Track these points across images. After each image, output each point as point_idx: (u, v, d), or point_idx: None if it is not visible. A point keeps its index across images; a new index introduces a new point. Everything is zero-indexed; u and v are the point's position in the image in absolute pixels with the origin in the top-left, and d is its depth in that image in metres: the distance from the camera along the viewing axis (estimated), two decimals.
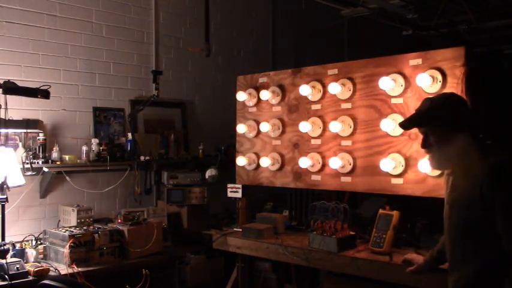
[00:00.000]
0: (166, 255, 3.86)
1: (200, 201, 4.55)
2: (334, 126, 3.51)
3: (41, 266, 3.25)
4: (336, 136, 3.58)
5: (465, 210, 2.15)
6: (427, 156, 2.33)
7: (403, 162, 3.23)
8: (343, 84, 3.55)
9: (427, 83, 3.12)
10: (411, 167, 3.20)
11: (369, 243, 3.27)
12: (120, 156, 4.28)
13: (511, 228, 2.03)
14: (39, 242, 3.64)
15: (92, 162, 4.10)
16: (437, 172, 3.02)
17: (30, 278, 3.14)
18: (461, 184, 2.22)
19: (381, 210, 3.29)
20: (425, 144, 2.28)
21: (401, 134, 3.27)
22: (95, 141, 4.18)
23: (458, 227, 2.21)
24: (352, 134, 3.51)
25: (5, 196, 3.42)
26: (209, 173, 4.66)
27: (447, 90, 3.09)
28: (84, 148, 4.10)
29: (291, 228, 4.02)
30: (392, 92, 3.32)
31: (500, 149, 2.20)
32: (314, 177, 3.70)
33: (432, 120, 2.24)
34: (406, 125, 2.42)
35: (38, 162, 3.79)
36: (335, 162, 3.51)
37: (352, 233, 3.41)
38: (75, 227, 3.70)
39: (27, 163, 3.71)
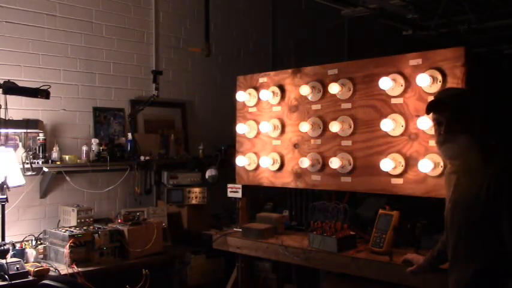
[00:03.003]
0: (166, 255, 3.86)
1: (200, 201, 4.55)
2: (334, 126, 3.52)
3: (41, 266, 3.25)
4: (336, 136, 3.58)
5: (468, 210, 2.16)
6: (444, 144, 2.29)
7: (403, 162, 3.24)
8: (343, 84, 3.55)
9: (427, 83, 3.12)
10: (411, 167, 3.20)
11: (369, 243, 3.27)
12: (120, 156, 4.27)
13: None
14: (39, 242, 3.64)
15: (92, 162, 4.09)
16: (438, 172, 3.02)
17: (30, 278, 3.14)
18: (464, 183, 2.22)
19: (380, 210, 3.29)
20: (450, 129, 2.24)
21: (401, 134, 3.27)
22: (95, 141, 4.18)
23: (461, 226, 2.21)
24: (352, 134, 3.51)
25: (5, 196, 3.42)
26: (209, 173, 4.66)
27: None
28: (84, 148, 4.10)
29: (291, 228, 4.02)
30: (392, 92, 3.32)
31: (502, 149, 2.21)
32: (314, 177, 3.71)
33: (464, 105, 2.26)
34: (434, 104, 2.35)
35: (38, 162, 3.79)
36: (335, 162, 3.51)
37: (352, 233, 3.41)
38: (75, 227, 3.69)
39: (27, 163, 3.70)
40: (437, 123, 2.30)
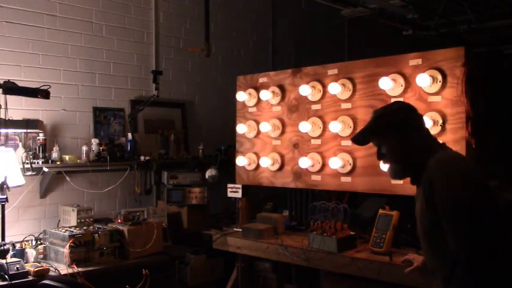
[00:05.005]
0: (166, 255, 3.86)
1: (200, 201, 4.55)
2: (334, 126, 3.52)
3: (41, 266, 3.24)
4: (336, 136, 3.58)
5: (422, 220, 2.11)
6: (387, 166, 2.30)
7: None
8: (343, 84, 3.55)
9: (427, 83, 3.13)
10: None
11: (369, 243, 3.27)
12: (120, 156, 4.27)
13: (453, 226, 1.95)
14: (39, 242, 3.64)
15: (92, 162, 4.09)
16: None
17: (30, 278, 3.14)
18: (417, 196, 2.18)
19: (380, 210, 3.29)
20: (379, 156, 2.25)
21: None
22: (95, 141, 4.17)
23: (422, 236, 2.17)
24: (352, 134, 3.51)
25: (5, 196, 3.41)
26: (209, 173, 4.66)
27: (447, 90, 3.10)
28: (84, 148, 4.10)
29: (291, 228, 4.02)
30: (392, 92, 3.32)
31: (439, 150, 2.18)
32: (314, 177, 3.71)
33: (377, 130, 2.23)
34: (356, 140, 2.35)
35: (38, 162, 3.78)
36: (335, 162, 3.51)
37: (352, 233, 3.41)
38: (75, 227, 3.69)
39: (27, 163, 3.70)
40: (376, 146, 2.29)
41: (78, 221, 3.83)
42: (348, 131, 3.52)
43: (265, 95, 3.95)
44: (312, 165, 3.68)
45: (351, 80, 3.54)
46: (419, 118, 2.26)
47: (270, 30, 6.14)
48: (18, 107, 3.87)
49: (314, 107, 3.73)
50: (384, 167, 3.25)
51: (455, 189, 1.96)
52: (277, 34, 6.20)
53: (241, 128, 4.11)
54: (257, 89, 4.06)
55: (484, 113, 3.26)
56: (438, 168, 2.03)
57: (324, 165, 3.64)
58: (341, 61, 3.72)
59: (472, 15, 6.19)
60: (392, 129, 2.18)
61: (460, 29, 6.53)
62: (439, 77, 3.11)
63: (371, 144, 3.37)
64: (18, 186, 3.57)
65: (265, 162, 3.92)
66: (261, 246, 3.68)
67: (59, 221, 3.99)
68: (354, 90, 3.52)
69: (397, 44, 6.75)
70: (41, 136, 3.88)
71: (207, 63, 5.28)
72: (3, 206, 3.43)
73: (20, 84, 3.68)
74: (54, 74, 4.16)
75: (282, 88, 3.93)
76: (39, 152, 3.83)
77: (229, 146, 4.83)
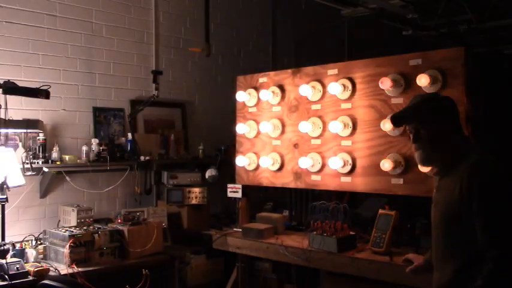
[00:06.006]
0: (166, 255, 3.86)
1: (200, 201, 4.55)
2: (334, 126, 3.52)
3: (41, 266, 3.24)
4: (336, 136, 3.58)
5: (446, 209, 2.18)
6: (416, 151, 2.32)
7: (403, 162, 3.24)
8: (343, 84, 3.55)
9: (427, 83, 3.13)
10: (411, 167, 3.21)
11: (369, 243, 3.28)
12: (120, 156, 4.27)
13: (486, 226, 2.05)
14: (39, 242, 3.64)
15: (92, 162, 4.09)
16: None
17: (30, 278, 3.13)
18: (445, 183, 2.24)
19: (380, 210, 3.29)
20: (414, 139, 2.27)
21: (401, 134, 3.27)
22: (95, 141, 4.17)
23: (439, 226, 2.23)
24: (352, 134, 3.51)
25: (5, 196, 3.41)
26: (209, 173, 4.66)
27: (447, 90, 3.10)
28: (84, 148, 4.10)
29: (291, 228, 4.02)
30: (392, 92, 3.32)
31: (478, 146, 2.24)
32: (314, 177, 3.71)
33: (419, 112, 2.27)
34: (395, 118, 2.36)
35: (38, 162, 3.78)
36: (335, 162, 3.51)
37: (352, 233, 3.42)
38: (75, 227, 3.69)
39: (27, 163, 3.70)
40: (409, 132, 2.33)
41: (78, 221, 3.83)
42: (347, 131, 3.52)
43: (265, 95, 3.95)
44: (312, 165, 3.68)
45: (351, 80, 3.54)
46: (458, 113, 2.31)
47: (270, 30, 6.13)
48: (18, 107, 3.87)
49: (314, 107, 3.73)
50: (386, 165, 3.26)
51: (496, 191, 2.06)
52: (277, 34, 6.19)
53: (241, 128, 4.11)
54: (257, 89, 4.06)
55: (484, 113, 3.26)
56: (481, 169, 2.11)
57: (324, 165, 3.64)
58: (341, 61, 3.72)
59: (472, 15, 6.19)
60: (435, 113, 2.24)
61: (460, 29, 6.53)
62: (439, 77, 3.11)
63: (370, 144, 3.41)
64: (18, 186, 3.57)
65: (265, 162, 3.92)
66: (261, 246, 3.69)
67: (59, 221, 3.99)
68: (354, 90, 3.53)
69: (397, 44, 6.75)
70: (41, 136, 3.88)
71: (207, 63, 5.28)
72: (3, 206, 3.43)
73: (20, 84, 3.67)
74: (54, 74, 4.16)
75: (282, 88, 3.93)
76: (39, 152, 3.83)
77: (229, 146, 4.83)
